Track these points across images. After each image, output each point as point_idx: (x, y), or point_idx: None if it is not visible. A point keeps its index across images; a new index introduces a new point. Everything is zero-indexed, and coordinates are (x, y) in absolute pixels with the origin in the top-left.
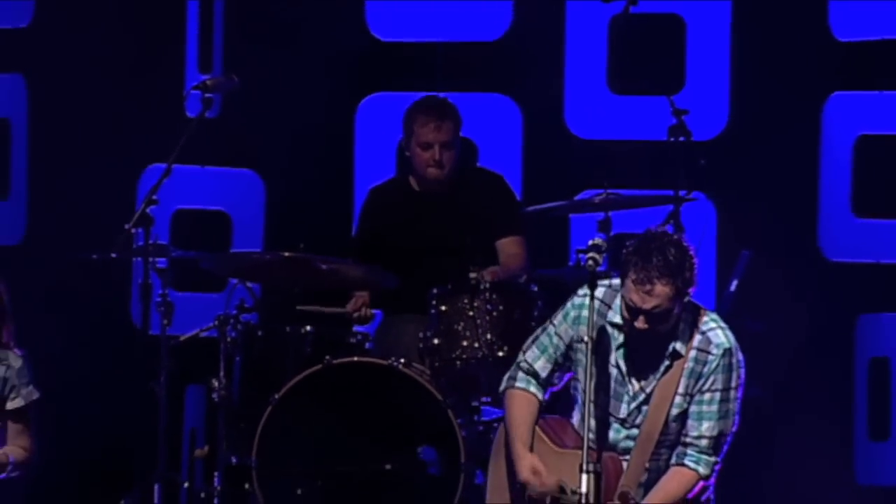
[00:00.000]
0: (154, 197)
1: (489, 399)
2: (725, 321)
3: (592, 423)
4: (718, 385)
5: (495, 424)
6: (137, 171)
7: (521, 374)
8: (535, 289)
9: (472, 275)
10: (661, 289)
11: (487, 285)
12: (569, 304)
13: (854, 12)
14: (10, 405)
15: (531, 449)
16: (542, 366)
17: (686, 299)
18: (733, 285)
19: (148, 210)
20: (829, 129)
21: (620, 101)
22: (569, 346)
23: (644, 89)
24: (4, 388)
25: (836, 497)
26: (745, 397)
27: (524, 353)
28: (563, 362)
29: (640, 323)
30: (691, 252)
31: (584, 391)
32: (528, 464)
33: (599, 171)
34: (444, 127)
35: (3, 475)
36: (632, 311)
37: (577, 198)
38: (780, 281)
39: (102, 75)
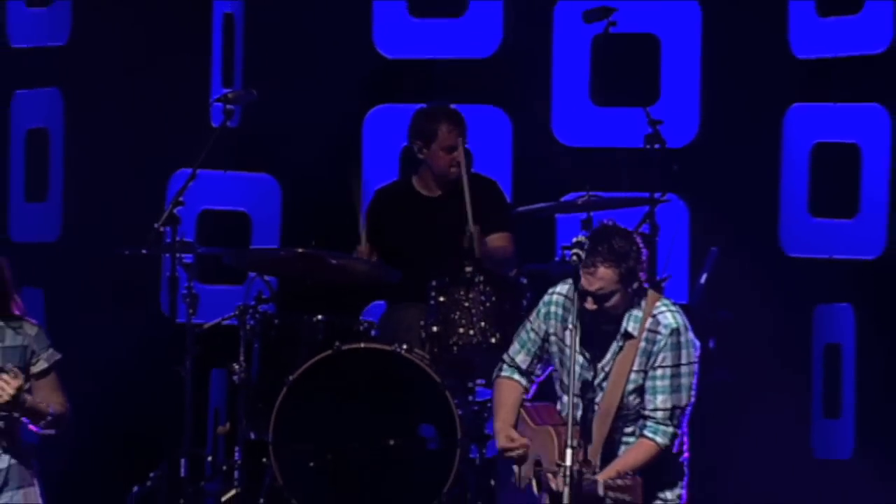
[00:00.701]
0: (181, 199)
1: (483, 381)
2: (697, 311)
3: (577, 401)
4: (668, 362)
5: (489, 404)
6: (166, 175)
7: (505, 366)
8: (525, 281)
9: (468, 269)
10: (605, 272)
11: (481, 278)
12: (541, 302)
13: (811, 33)
14: (34, 369)
15: (515, 427)
16: (522, 359)
17: (636, 285)
18: (703, 278)
19: (175, 211)
20: (788, 138)
21: (602, 113)
22: (544, 340)
23: (623, 101)
24: (26, 354)
25: (795, 469)
26: (714, 380)
27: (509, 348)
28: (542, 354)
29: (588, 304)
30: (638, 243)
31: (561, 379)
32: (504, 434)
33: (582, 175)
34: (463, 132)
35: (41, 427)
36: (580, 293)
37: (562, 199)
38: (746, 274)
39: (133, 89)
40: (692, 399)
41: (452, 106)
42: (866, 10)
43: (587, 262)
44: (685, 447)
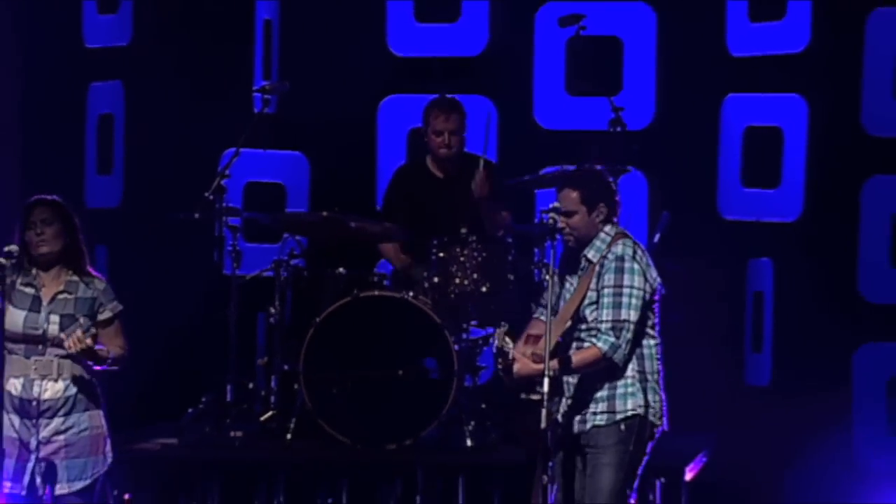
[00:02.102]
0: (227, 172)
1: (476, 322)
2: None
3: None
4: (611, 282)
5: (480, 341)
6: (216, 153)
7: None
8: (510, 240)
9: (463, 231)
10: (568, 192)
11: (473, 238)
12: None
13: (744, 35)
14: (100, 317)
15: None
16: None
17: (600, 216)
18: (657, 237)
19: (222, 182)
20: (725, 122)
21: (574, 101)
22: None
23: (592, 92)
24: (94, 305)
25: (730, 394)
26: (667, 321)
27: None
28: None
29: (560, 221)
30: (604, 179)
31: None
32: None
33: (558, 152)
34: (451, 118)
35: (105, 367)
36: (554, 210)
37: (541, 173)
38: (691, 234)
39: (185, 81)
40: (634, 317)
41: (450, 96)
42: (789, 16)
43: (559, 186)
44: (644, 369)
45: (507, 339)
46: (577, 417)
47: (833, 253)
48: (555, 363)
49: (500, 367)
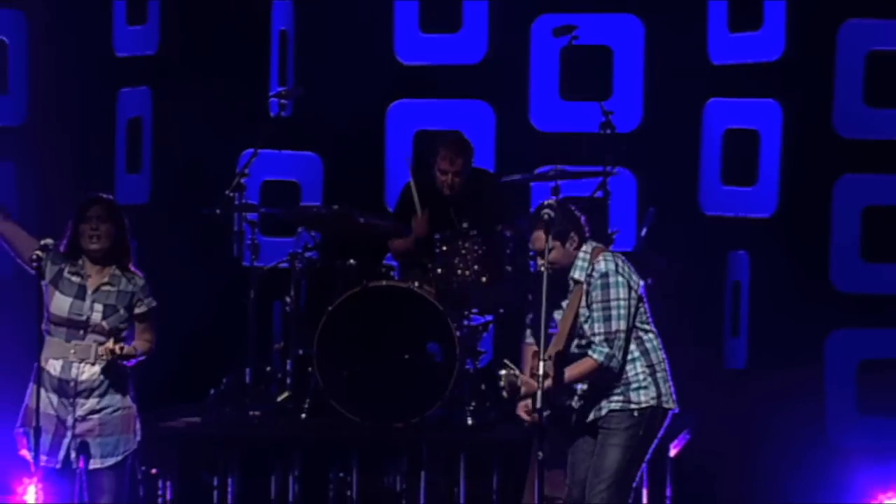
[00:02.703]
0: (246, 171)
1: (476, 310)
2: (639, 256)
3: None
4: (599, 298)
5: (480, 328)
6: (235, 153)
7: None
8: (508, 234)
9: (464, 226)
10: (538, 234)
11: (475, 232)
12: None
13: (724, 44)
14: (136, 311)
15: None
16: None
17: (572, 244)
18: (644, 231)
19: (242, 180)
20: (706, 125)
21: (568, 105)
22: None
23: (584, 97)
24: (132, 298)
25: (709, 375)
26: (652, 309)
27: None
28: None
29: (539, 259)
30: (569, 213)
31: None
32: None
33: (552, 153)
34: (457, 162)
35: (134, 361)
36: (535, 252)
37: (536, 171)
38: (675, 228)
39: (207, 87)
40: (624, 326)
41: (449, 101)
42: (765, 27)
43: (529, 231)
44: (652, 362)
45: (514, 373)
46: (594, 407)
47: (806, 246)
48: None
49: (518, 399)
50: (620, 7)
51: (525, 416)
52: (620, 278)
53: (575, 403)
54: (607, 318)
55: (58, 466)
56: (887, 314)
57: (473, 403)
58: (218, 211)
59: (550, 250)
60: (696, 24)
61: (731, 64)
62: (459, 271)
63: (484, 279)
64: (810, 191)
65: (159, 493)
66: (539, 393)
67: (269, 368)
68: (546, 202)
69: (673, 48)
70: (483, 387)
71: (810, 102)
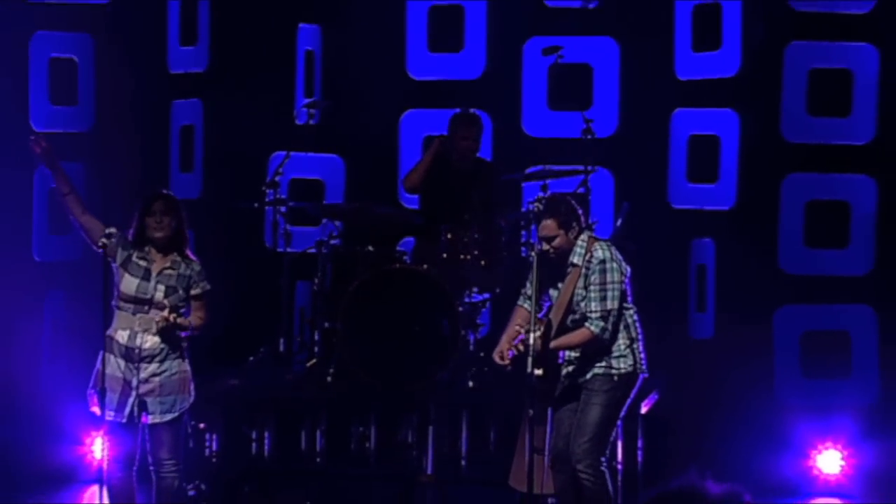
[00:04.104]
0: (281, 170)
1: (476, 289)
2: (615, 243)
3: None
4: (597, 281)
5: (479, 304)
6: (267, 155)
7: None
8: (503, 224)
9: (466, 217)
10: (547, 222)
11: (476, 222)
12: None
13: (688, 62)
14: (193, 292)
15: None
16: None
17: (573, 233)
18: (619, 222)
19: (276, 178)
20: (674, 131)
21: (554, 114)
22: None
23: (568, 107)
24: (189, 281)
25: (676, 345)
26: (632, 289)
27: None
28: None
29: (543, 245)
30: (571, 204)
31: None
32: (497, 350)
33: (541, 155)
34: (472, 130)
35: (188, 333)
36: (539, 239)
37: (527, 171)
38: (647, 219)
39: (248, 99)
40: (616, 305)
41: (452, 112)
42: (724, 47)
43: (539, 219)
44: (632, 336)
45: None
46: (581, 371)
47: (759, 234)
48: (552, 343)
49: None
50: (599, 31)
51: (499, 360)
52: (615, 265)
53: (564, 368)
54: (604, 298)
55: (123, 421)
56: (826, 292)
57: (474, 369)
58: (256, 205)
59: (555, 238)
60: (664, 45)
61: (694, 79)
62: (462, 256)
63: (483, 263)
64: (762, 187)
65: (206, 444)
66: (529, 359)
67: (299, 339)
68: (556, 194)
69: (644, 66)
70: (482, 354)
71: (762, 112)
